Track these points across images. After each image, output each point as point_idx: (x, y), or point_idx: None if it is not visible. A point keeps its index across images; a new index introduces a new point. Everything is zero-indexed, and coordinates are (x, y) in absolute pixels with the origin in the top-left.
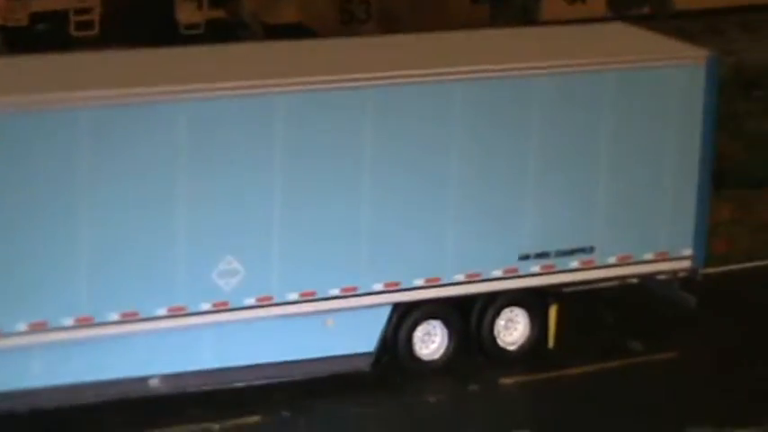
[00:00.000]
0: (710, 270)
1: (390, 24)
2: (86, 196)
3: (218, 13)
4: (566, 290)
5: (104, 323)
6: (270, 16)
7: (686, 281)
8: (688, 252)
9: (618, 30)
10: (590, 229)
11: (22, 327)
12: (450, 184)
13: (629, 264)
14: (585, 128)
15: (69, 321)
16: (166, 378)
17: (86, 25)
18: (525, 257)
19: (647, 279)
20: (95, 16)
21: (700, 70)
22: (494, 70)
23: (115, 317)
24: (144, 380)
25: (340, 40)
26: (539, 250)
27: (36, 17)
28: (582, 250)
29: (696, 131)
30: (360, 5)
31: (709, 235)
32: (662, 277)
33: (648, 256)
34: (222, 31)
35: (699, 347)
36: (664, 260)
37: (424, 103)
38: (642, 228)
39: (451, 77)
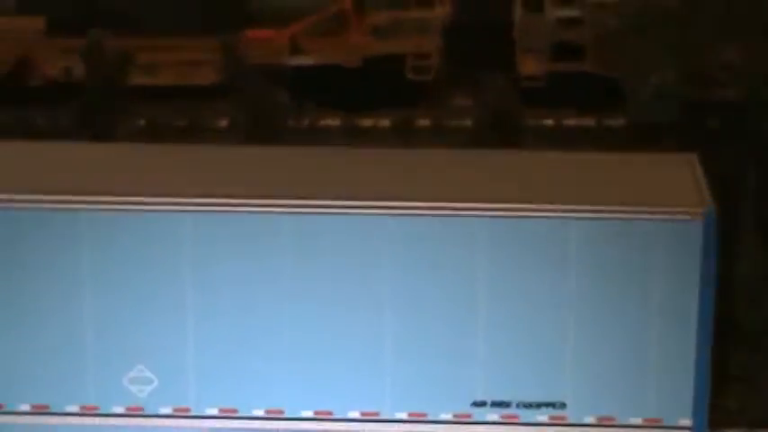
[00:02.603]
0: None
1: None
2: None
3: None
4: None
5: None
6: None
7: None
8: (686, 422)
9: (644, 166)
10: (558, 384)
11: None
12: (387, 316)
13: (612, 426)
14: (545, 275)
15: None
16: None
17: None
18: (480, 404)
19: None
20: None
21: (695, 227)
22: (439, 208)
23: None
24: None
25: None
26: (496, 398)
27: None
28: (551, 404)
29: (691, 290)
30: None
31: None
32: None
33: (636, 421)
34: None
35: None
36: (656, 427)
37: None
38: (625, 389)
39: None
